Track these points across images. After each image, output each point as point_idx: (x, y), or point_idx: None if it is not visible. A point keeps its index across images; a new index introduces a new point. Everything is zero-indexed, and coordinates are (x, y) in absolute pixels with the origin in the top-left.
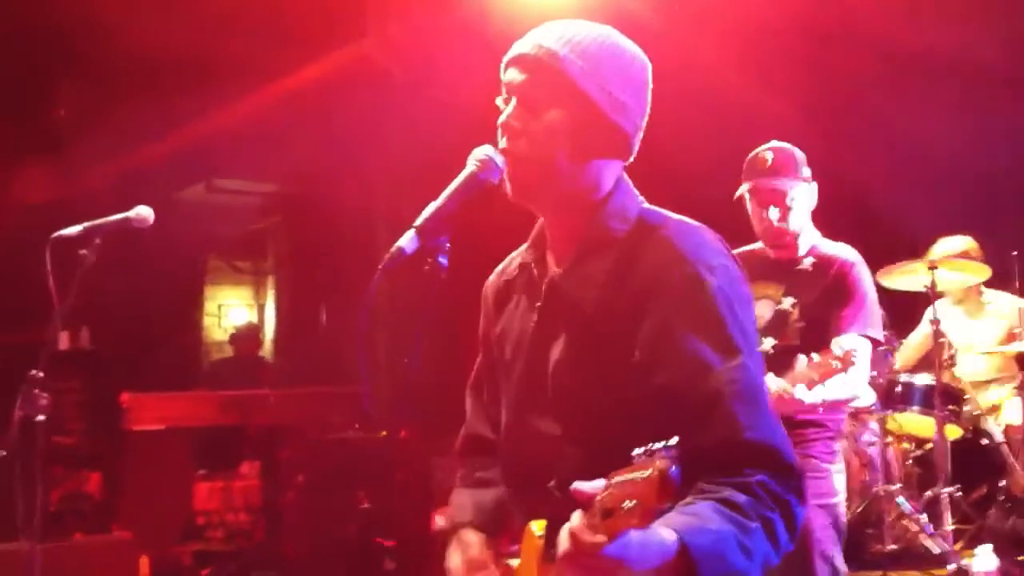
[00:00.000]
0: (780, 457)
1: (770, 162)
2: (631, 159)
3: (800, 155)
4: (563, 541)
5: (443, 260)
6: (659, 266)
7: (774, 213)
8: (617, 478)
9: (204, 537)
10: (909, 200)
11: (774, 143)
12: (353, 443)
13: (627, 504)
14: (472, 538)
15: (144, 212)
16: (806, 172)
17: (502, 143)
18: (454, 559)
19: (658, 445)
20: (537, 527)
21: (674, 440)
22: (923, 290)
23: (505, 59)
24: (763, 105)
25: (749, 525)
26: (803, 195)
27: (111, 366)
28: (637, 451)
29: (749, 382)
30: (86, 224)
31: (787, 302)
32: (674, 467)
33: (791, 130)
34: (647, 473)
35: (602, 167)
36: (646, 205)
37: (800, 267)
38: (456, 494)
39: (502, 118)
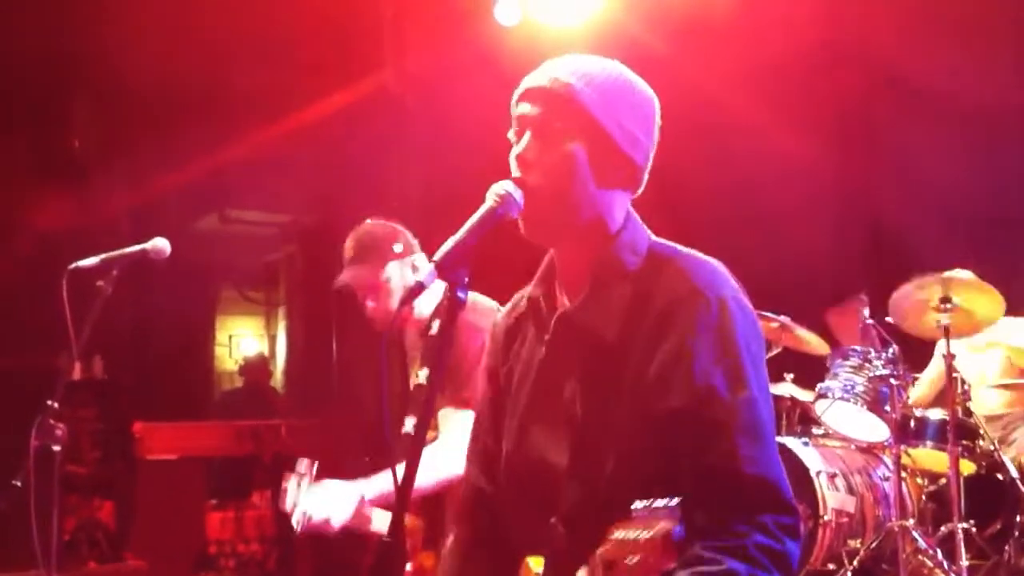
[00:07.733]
0: (779, 495)
1: (351, 252)
2: (639, 192)
3: (384, 231)
4: None
5: (462, 294)
6: (675, 297)
7: (371, 304)
8: (618, 534)
9: (216, 567)
10: (921, 230)
11: (359, 228)
12: (365, 473)
13: (630, 560)
14: None
15: (161, 244)
16: (397, 248)
17: (515, 175)
18: None
19: (660, 503)
20: (535, 563)
21: (675, 501)
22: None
23: (517, 93)
24: (774, 134)
25: None
26: (396, 272)
27: (124, 395)
28: (637, 505)
29: (755, 416)
30: (103, 255)
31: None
32: (677, 527)
33: (802, 159)
34: (651, 534)
35: (614, 199)
36: (654, 238)
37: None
38: (449, 560)
39: (515, 150)
